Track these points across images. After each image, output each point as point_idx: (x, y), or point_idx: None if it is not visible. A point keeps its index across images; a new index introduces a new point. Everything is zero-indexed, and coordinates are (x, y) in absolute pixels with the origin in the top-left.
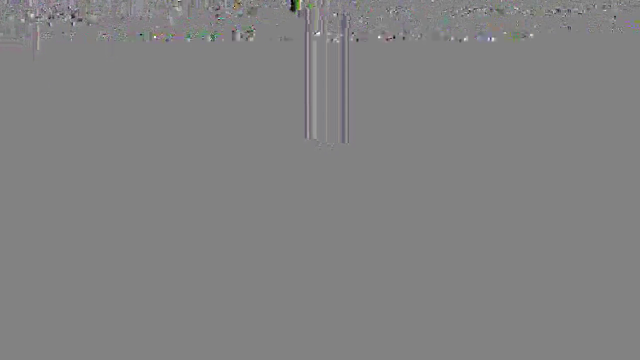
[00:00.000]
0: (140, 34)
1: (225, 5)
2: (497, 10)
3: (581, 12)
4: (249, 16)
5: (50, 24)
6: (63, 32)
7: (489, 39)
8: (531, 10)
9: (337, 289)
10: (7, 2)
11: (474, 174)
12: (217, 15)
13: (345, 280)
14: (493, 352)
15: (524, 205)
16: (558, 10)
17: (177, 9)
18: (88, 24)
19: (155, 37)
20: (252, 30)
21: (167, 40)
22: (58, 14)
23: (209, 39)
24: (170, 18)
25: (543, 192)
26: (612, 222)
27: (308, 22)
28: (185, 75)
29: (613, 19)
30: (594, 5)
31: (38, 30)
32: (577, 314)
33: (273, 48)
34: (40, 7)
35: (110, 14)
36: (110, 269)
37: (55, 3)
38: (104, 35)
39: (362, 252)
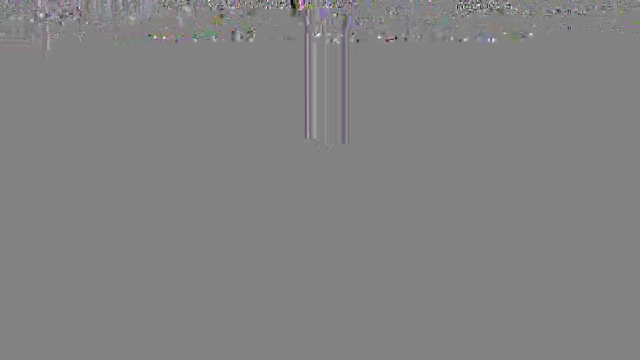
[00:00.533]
0: (149, 35)
1: (229, 5)
2: (497, 10)
3: (581, 13)
4: (249, 16)
5: (62, 22)
6: (73, 33)
7: (489, 39)
8: (530, 11)
9: (336, 288)
10: (9, 2)
11: (473, 175)
12: (222, 16)
13: (344, 280)
14: (493, 352)
15: (524, 205)
16: (558, 10)
17: (185, 9)
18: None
19: (164, 37)
20: (252, 31)
21: (176, 41)
22: (67, 14)
23: (214, 39)
24: (180, 19)
25: (543, 192)
26: (612, 222)
27: (308, 23)
28: (185, 76)
29: (614, 20)
30: (594, 6)
31: (47, 30)
32: (577, 313)
33: (273, 48)
34: (51, 7)
35: (111, 23)
36: (113, 267)
37: (65, 3)
38: (110, 35)
39: (362, 252)
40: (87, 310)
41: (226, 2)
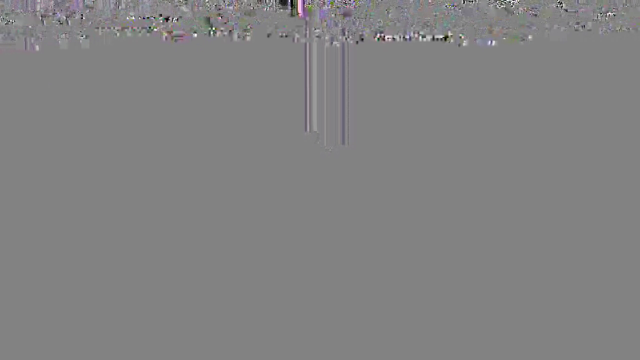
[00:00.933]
0: (148, 33)
1: (226, 5)
2: (504, 9)
3: (584, 12)
4: (246, 17)
5: (64, 22)
6: (73, 33)
7: (489, 41)
8: (532, 12)
9: (335, 289)
10: (9, 4)
11: (474, 177)
12: (220, 15)
13: (343, 281)
14: (493, 352)
15: (525, 208)
16: (560, 6)
17: (183, 8)
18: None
19: (164, 36)
20: (249, 29)
21: (175, 40)
22: (69, 13)
23: (211, 34)
24: (178, 17)
25: (544, 194)
26: (613, 223)
27: (308, 23)
28: (185, 75)
29: (615, 20)
30: (601, 8)
31: (46, 30)
32: (577, 313)
33: (272, 48)
34: (52, 7)
35: (111, 22)
36: (109, 267)
37: (66, 5)
38: (108, 29)
39: (361, 253)
40: (86, 309)
41: (224, 2)
